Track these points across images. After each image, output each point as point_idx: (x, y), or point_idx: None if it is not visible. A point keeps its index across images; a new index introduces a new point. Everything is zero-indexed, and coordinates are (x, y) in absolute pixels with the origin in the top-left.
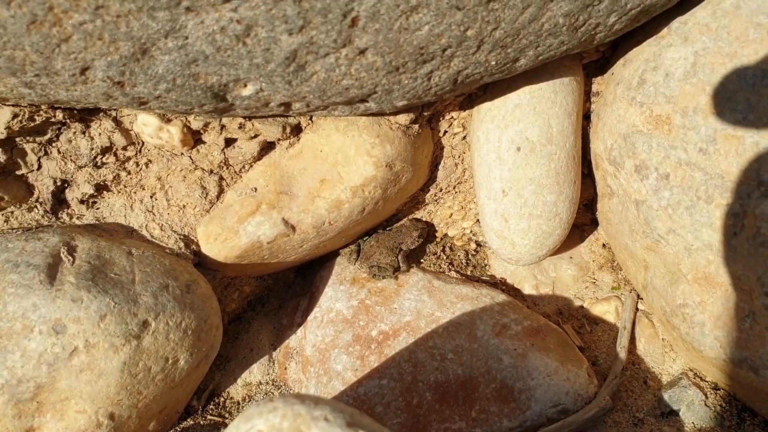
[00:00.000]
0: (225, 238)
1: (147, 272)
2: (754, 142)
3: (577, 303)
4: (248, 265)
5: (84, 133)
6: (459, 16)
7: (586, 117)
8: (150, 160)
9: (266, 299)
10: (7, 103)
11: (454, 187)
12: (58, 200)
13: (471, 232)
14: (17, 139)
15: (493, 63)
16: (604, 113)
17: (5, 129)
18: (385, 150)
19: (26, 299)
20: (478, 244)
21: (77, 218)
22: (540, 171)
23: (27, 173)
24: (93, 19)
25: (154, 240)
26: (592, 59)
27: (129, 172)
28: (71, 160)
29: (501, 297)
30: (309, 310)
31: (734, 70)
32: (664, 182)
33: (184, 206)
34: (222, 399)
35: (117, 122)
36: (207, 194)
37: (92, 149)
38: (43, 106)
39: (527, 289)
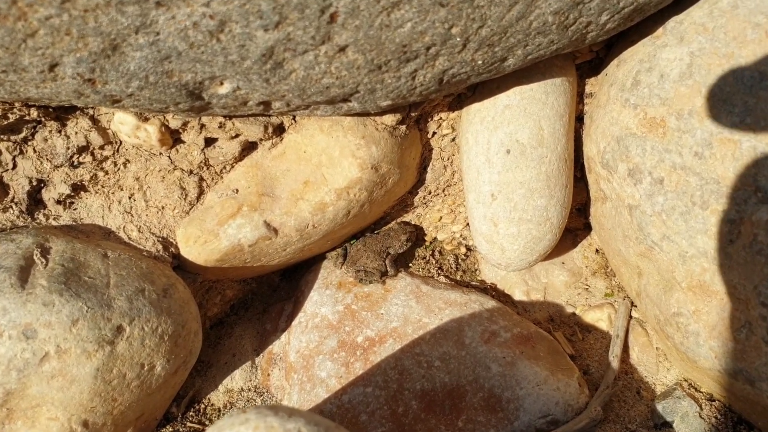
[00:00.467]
0: (205, 241)
1: (122, 276)
2: (752, 146)
3: (569, 310)
4: (230, 269)
5: (60, 131)
6: (443, 13)
7: (579, 119)
8: (128, 160)
9: (250, 303)
10: None
11: (444, 190)
12: (34, 200)
13: (461, 236)
14: None
15: (480, 62)
16: (597, 115)
17: None
18: (370, 151)
19: None
20: (468, 249)
21: (54, 219)
22: (530, 174)
23: (2, 173)
24: (59, 14)
25: (131, 242)
26: (586, 59)
27: (107, 172)
28: (47, 159)
29: (490, 303)
30: (294, 314)
31: (731, 72)
32: (658, 187)
33: (162, 207)
34: (203, 406)
35: (94, 121)
36: (186, 195)
37: (68, 148)
38: (16, 104)
39: (518, 295)
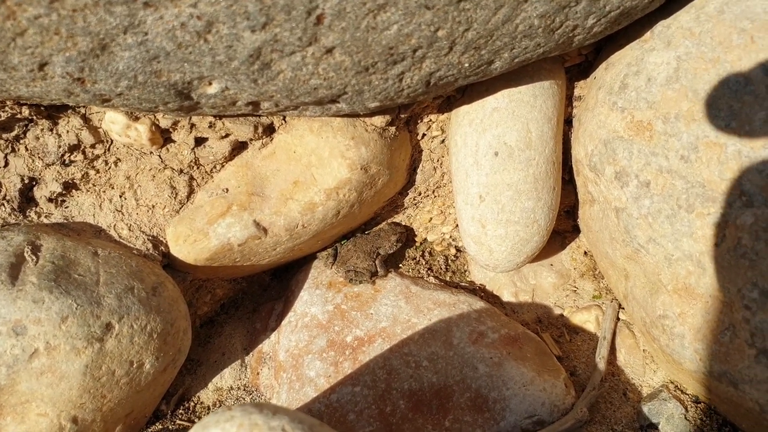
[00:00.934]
0: (194, 240)
1: (112, 273)
2: (737, 151)
3: (557, 311)
4: (220, 268)
5: (51, 130)
6: (429, 15)
7: (569, 122)
8: (119, 159)
9: (240, 302)
10: None
11: (433, 191)
12: (26, 198)
13: (451, 237)
14: None
15: (467, 65)
16: (586, 118)
17: None
18: (360, 152)
19: None
20: (458, 250)
21: (45, 217)
22: (518, 177)
23: None
24: (48, 13)
25: (122, 240)
26: (575, 62)
27: (98, 171)
28: (39, 157)
29: (479, 304)
30: (284, 314)
31: (717, 76)
32: (645, 190)
33: (153, 206)
34: (192, 403)
35: (85, 119)
36: (177, 194)
37: (60, 147)
38: (8, 102)
39: (506, 296)
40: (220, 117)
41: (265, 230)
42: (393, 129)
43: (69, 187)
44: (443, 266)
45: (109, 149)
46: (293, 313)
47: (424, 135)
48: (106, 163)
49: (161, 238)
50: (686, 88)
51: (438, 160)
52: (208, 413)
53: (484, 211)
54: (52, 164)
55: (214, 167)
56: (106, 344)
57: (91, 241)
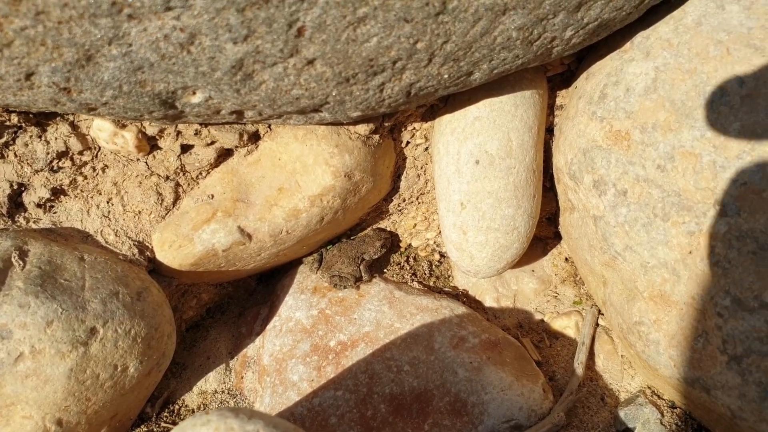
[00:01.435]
0: (179, 246)
1: (98, 279)
2: (711, 161)
3: (538, 317)
4: (205, 273)
5: (40, 137)
6: (408, 28)
7: (550, 130)
8: (106, 165)
9: (226, 307)
10: None
11: (417, 198)
12: (15, 204)
13: (435, 242)
14: None
15: (446, 76)
16: (566, 127)
17: None
18: (343, 160)
19: None
20: (442, 255)
21: (34, 222)
22: (498, 184)
23: None
24: (34, 25)
25: (108, 246)
26: (558, 72)
27: (86, 177)
28: (28, 163)
29: (461, 309)
30: (269, 318)
31: (694, 87)
32: (622, 198)
33: (139, 212)
34: (177, 407)
35: (73, 126)
36: (163, 200)
37: (48, 153)
38: None
39: (488, 302)
40: (206, 125)
41: (249, 236)
42: (377, 137)
43: (57, 192)
44: (427, 272)
45: (96, 156)
46: (278, 318)
47: (408, 143)
48: (94, 169)
49: (147, 244)
50: (664, 99)
51: (422, 168)
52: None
53: (465, 218)
54: (41, 170)
55: (200, 174)
56: (90, 348)
57: (78, 247)
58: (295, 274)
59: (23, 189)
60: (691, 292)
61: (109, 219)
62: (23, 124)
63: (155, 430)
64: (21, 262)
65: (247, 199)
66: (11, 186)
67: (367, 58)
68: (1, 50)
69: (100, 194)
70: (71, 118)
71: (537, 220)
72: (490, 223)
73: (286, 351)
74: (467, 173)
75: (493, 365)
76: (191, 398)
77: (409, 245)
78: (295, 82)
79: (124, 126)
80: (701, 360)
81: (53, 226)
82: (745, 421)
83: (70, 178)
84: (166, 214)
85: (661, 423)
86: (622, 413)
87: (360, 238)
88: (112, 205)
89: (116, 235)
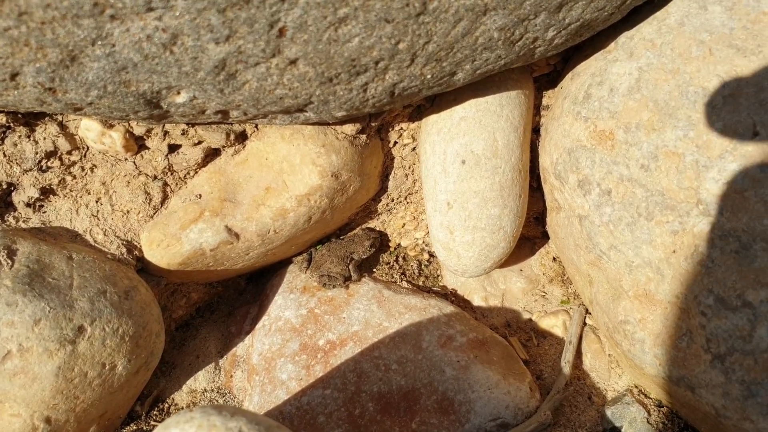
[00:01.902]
0: (167, 245)
1: (86, 277)
2: (694, 160)
3: (526, 316)
4: (193, 272)
5: (29, 137)
6: (389, 29)
7: (537, 130)
8: (95, 165)
9: (216, 306)
10: None
11: (406, 198)
12: (5, 203)
13: (424, 242)
14: None
15: (429, 76)
16: (552, 127)
17: None
18: (330, 159)
19: None
20: (431, 255)
21: (23, 221)
22: (484, 184)
23: None
24: (18, 25)
25: (96, 245)
26: (544, 72)
27: (74, 177)
28: (17, 163)
29: (449, 308)
30: (258, 318)
31: (677, 87)
32: (606, 198)
33: (128, 212)
34: (167, 405)
35: (62, 126)
36: (151, 200)
37: (37, 153)
38: None
39: (476, 301)
40: (193, 125)
41: (237, 235)
42: (364, 137)
43: (46, 192)
44: (416, 271)
45: (85, 156)
46: (267, 317)
47: (395, 143)
48: (83, 169)
49: (135, 243)
50: (647, 99)
51: (409, 168)
52: None
53: (452, 217)
54: (30, 170)
55: (188, 173)
56: (78, 346)
57: (67, 246)
58: (285, 273)
59: (12, 188)
60: (675, 291)
61: (98, 218)
62: (12, 124)
63: (145, 428)
64: (9, 261)
65: (234, 198)
66: (0, 185)
67: (349, 59)
68: None
69: (89, 194)
70: (60, 118)
71: (524, 219)
72: (477, 222)
73: (276, 350)
74: (453, 173)
75: (480, 364)
76: (181, 397)
77: (399, 245)
78: (279, 82)
79: (111, 126)
80: (685, 359)
81: (42, 226)
82: (728, 420)
83: (59, 178)
84: (155, 214)
85: (648, 422)
86: (609, 412)
87: (349, 237)
88: (101, 204)
89: (105, 235)
